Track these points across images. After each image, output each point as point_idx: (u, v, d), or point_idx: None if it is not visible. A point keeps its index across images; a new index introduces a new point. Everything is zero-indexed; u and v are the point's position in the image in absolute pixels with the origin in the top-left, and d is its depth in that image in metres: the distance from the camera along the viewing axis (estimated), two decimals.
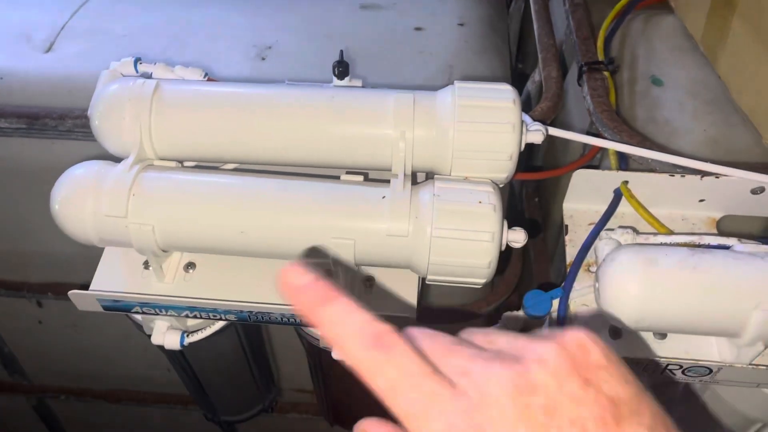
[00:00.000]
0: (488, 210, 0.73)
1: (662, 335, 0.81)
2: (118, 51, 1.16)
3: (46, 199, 0.78)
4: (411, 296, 0.82)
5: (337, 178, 0.80)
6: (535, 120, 0.85)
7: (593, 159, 1.07)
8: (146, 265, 0.83)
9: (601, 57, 1.07)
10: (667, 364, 0.76)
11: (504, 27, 1.35)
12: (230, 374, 1.06)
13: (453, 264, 0.73)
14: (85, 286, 1.33)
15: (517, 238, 0.77)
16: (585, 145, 1.09)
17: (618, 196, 0.89)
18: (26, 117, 0.98)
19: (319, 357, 0.94)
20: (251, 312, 0.78)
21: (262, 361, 1.15)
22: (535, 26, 1.11)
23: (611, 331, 0.82)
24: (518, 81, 1.46)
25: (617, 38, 1.19)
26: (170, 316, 0.81)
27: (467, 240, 0.72)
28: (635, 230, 0.83)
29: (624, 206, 0.89)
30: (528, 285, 1.55)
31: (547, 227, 1.44)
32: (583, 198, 0.92)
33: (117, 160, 0.80)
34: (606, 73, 1.03)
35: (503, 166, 0.77)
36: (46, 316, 1.50)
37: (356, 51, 1.16)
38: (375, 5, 1.28)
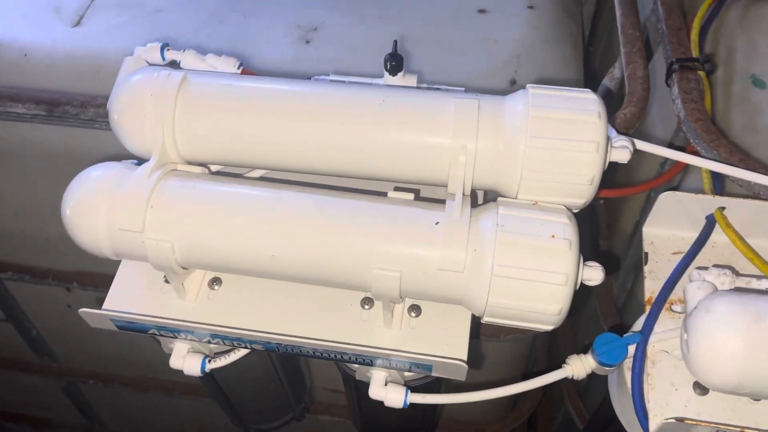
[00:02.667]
0: (563, 246, 0.61)
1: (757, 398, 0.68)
2: (150, 27, 1.07)
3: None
4: (462, 333, 0.71)
5: (384, 193, 0.69)
6: (616, 129, 0.72)
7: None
8: (167, 278, 0.74)
9: (695, 53, 0.92)
10: None
11: (578, 10, 1.20)
12: (259, 389, 0.98)
13: (516, 307, 0.62)
14: (111, 278, 1.28)
15: (593, 276, 0.65)
16: (666, 159, 0.95)
17: (711, 223, 0.75)
18: (46, 103, 0.90)
19: (354, 384, 0.84)
20: (280, 344, 0.68)
21: (294, 369, 1.07)
22: (618, 14, 0.97)
23: (696, 385, 0.70)
24: (589, 67, 1.32)
25: (711, 29, 1.03)
26: (191, 340, 0.72)
27: (536, 281, 0.60)
28: (734, 271, 0.70)
29: (716, 234, 0.76)
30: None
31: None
32: (667, 223, 0.79)
33: (141, 159, 0.71)
34: (701, 73, 0.88)
35: (582, 191, 0.65)
36: (75, 300, 1.45)
37: (411, 35, 1.03)
38: None
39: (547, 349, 1.60)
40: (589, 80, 1.12)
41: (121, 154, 0.74)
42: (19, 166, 1.16)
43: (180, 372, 1.60)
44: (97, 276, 1.31)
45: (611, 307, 1.25)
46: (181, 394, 1.66)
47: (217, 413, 1.67)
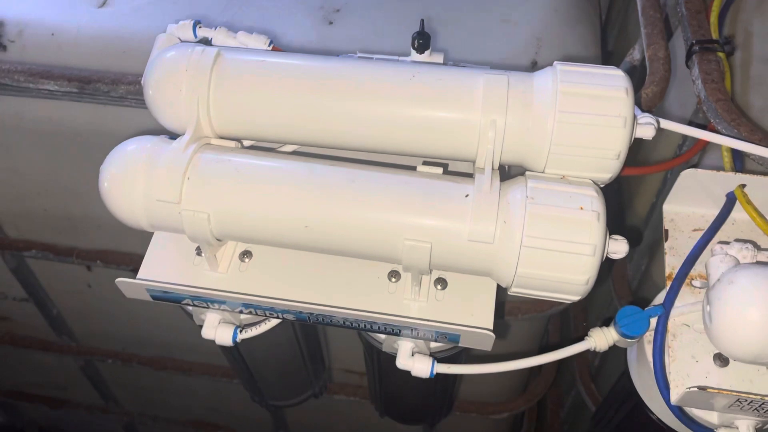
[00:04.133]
0: (591, 218, 0.62)
1: None
2: (176, 8, 1.08)
3: (97, 164, 0.71)
4: (488, 305, 0.73)
5: (413, 168, 0.70)
6: (640, 108, 0.74)
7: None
8: (199, 251, 0.76)
9: (715, 35, 0.93)
10: None
11: None
12: (282, 364, 1.00)
13: (544, 278, 0.64)
14: (134, 256, 1.29)
15: (619, 249, 0.67)
16: (685, 138, 0.97)
17: (731, 200, 0.77)
18: (77, 80, 0.91)
19: (378, 357, 0.86)
20: (311, 314, 0.70)
21: (315, 346, 1.09)
22: None
23: (717, 357, 0.71)
24: (604, 51, 1.32)
25: (729, 12, 1.04)
26: (223, 310, 0.74)
27: (564, 252, 0.62)
28: (756, 245, 0.71)
29: (735, 212, 0.78)
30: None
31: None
32: (687, 200, 0.80)
33: (173, 134, 0.73)
34: (721, 55, 0.89)
35: (609, 166, 0.66)
36: (95, 279, 1.47)
37: (431, 17, 1.04)
38: None
39: (560, 329, 1.62)
40: (605, 62, 1.13)
41: (147, 132, 0.75)
42: (43, 145, 1.18)
43: (198, 351, 1.63)
44: (119, 255, 1.33)
45: (626, 288, 1.26)
46: (198, 373, 1.69)
47: (233, 393, 1.69)
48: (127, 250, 1.32)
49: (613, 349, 0.75)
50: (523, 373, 1.55)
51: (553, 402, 1.86)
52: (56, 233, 1.34)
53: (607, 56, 1.31)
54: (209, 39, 0.78)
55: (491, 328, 0.70)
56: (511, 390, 1.57)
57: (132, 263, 1.29)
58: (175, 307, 1.13)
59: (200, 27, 0.78)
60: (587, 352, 0.74)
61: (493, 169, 0.67)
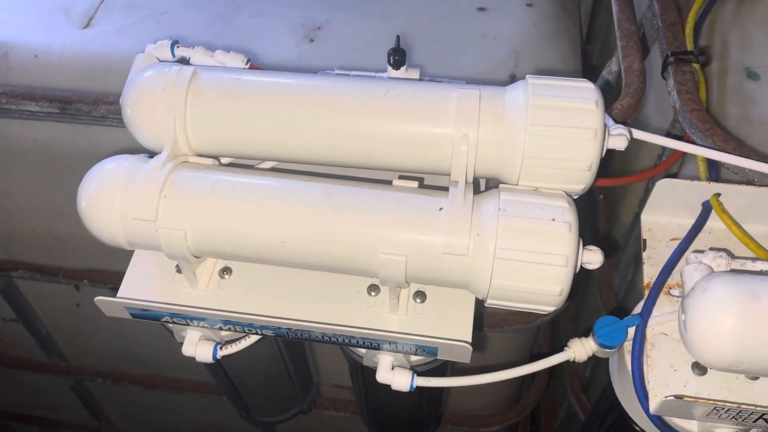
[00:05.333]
0: (562, 229, 0.63)
1: (755, 377, 0.70)
2: (158, 28, 1.10)
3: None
4: (466, 317, 0.73)
5: (389, 182, 0.71)
6: (613, 119, 0.75)
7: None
8: (179, 268, 0.76)
9: (690, 46, 0.94)
10: (764, 413, 0.66)
11: (575, 7, 1.23)
12: (268, 380, 1.00)
13: (518, 289, 0.64)
14: (121, 275, 1.29)
15: (593, 259, 0.67)
16: (663, 149, 0.98)
17: (707, 210, 0.77)
18: (58, 101, 0.92)
19: (361, 371, 0.86)
20: (290, 329, 0.70)
21: (301, 362, 1.09)
22: (615, 9, 0.99)
23: (695, 366, 0.71)
24: (587, 65, 1.34)
25: (706, 23, 1.05)
26: (203, 327, 0.74)
27: (537, 263, 0.62)
28: (730, 254, 0.72)
29: (712, 221, 0.78)
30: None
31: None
32: (664, 210, 0.81)
33: (152, 153, 0.73)
34: (696, 66, 0.91)
35: (581, 177, 0.67)
36: (84, 299, 1.47)
37: (412, 33, 1.06)
38: None
39: (550, 341, 1.62)
40: (588, 77, 1.14)
41: (129, 151, 0.76)
42: (28, 165, 1.18)
43: (187, 369, 1.63)
44: (107, 273, 1.33)
45: (612, 298, 1.26)
46: (188, 391, 1.68)
47: (224, 410, 1.69)
48: (114, 269, 1.32)
49: (602, 359, 0.75)
50: (513, 385, 1.55)
51: (546, 413, 1.85)
52: (44, 252, 1.34)
53: (591, 70, 1.32)
54: (187, 58, 0.79)
55: (469, 340, 0.70)
56: (503, 402, 1.57)
57: (119, 282, 1.29)
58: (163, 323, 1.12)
59: (178, 47, 0.79)
60: (576, 363, 0.74)
61: (467, 182, 0.68)
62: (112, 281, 1.32)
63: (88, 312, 1.52)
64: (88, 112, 0.91)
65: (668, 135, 0.98)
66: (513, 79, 1.01)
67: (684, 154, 0.94)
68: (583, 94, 0.67)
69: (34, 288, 1.49)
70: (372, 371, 0.79)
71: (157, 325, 1.50)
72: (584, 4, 1.39)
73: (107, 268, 1.33)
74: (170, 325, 0.78)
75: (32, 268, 1.34)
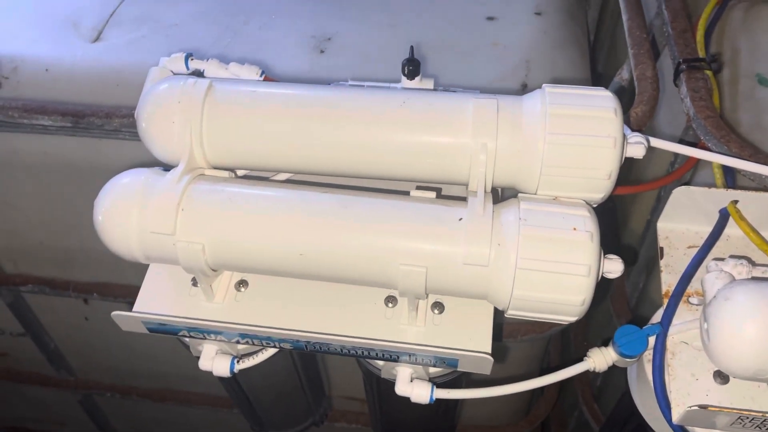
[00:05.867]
0: (584, 238, 0.63)
1: None
2: (168, 41, 1.10)
3: (92, 197, 0.71)
4: (485, 328, 0.72)
5: (406, 193, 0.71)
6: (630, 126, 0.74)
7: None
8: (194, 281, 0.76)
9: (701, 53, 0.94)
10: None
11: (582, 15, 1.23)
12: (281, 393, 0.99)
13: (540, 300, 0.64)
14: (131, 288, 1.29)
15: (614, 268, 0.67)
16: (677, 155, 0.97)
17: (725, 217, 0.77)
18: (71, 115, 0.92)
19: (377, 384, 0.86)
20: (308, 342, 0.70)
21: (314, 375, 1.08)
22: (625, 17, 0.99)
23: (717, 375, 0.71)
24: (594, 72, 1.34)
25: (715, 30, 1.05)
26: (220, 341, 0.73)
27: (559, 273, 0.62)
28: (751, 261, 0.71)
29: (729, 228, 0.78)
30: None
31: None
32: (681, 217, 0.80)
33: (166, 166, 0.73)
34: (708, 72, 0.90)
35: (600, 186, 0.67)
36: (92, 312, 1.46)
37: (423, 42, 1.06)
38: None
39: (561, 351, 1.61)
40: (595, 83, 1.14)
41: (140, 163, 0.76)
42: (37, 179, 1.18)
43: (196, 382, 1.62)
44: (116, 286, 1.32)
45: (624, 306, 1.26)
46: (198, 404, 1.67)
47: (234, 424, 1.68)
48: (124, 282, 1.32)
49: (615, 368, 0.75)
50: (524, 396, 1.54)
51: (556, 424, 1.84)
52: (53, 267, 1.34)
53: (597, 77, 1.32)
54: (201, 71, 0.79)
55: (489, 351, 0.70)
56: (514, 413, 1.56)
57: (129, 295, 1.29)
58: (173, 338, 1.13)
59: (192, 59, 0.79)
60: (588, 372, 0.73)
61: (485, 191, 0.68)
62: (121, 294, 1.32)
63: (97, 326, 1.51)
64: (100, 125, 0.90)
65: (681, 142, 0.98)
66: (524, 87, 1.00)
67: (698, 161, 0.93)
68: (602, 103, 0.66)
69: (42, 302, 1.48)
70: (388, 383, 0.79)
71: (165, 339, 1.50)
72: (590, 12, 1.39)
73: (116, 281, 1.33)
74: (187, 339, 0.77)
75: (42, 282, 1.33)
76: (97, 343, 1.58)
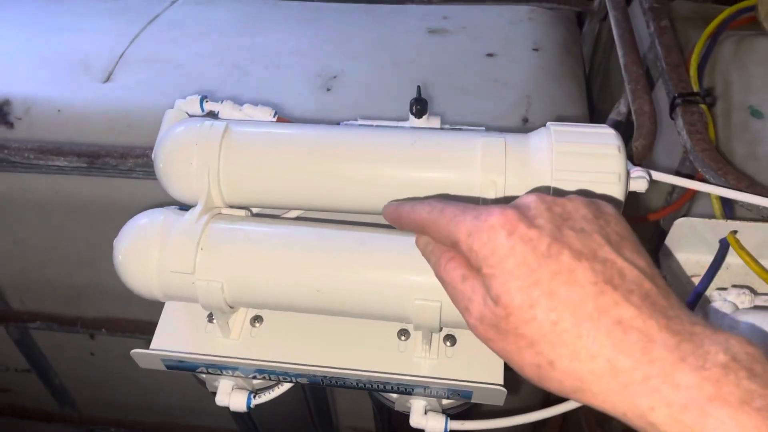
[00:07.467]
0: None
1: None
2: (177, 80, 1.12)
3: (102, 233, 0.73)
4: (497, 360, 0.74)
5: None
6: (631, 161, 0.77)
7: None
8: (210, 318, 0.77)
9: (695, 87, 0.98)
10: None
11: (578, 50, 1.27)
12: (293, 426, 1.00)
13: None
14: (138, 323, 1.30)
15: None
16: (674, 188, 1.00)
17: (725, 246, 0.80)
18: (87, 156, 0.94)
19: (389, 416, 0.87)
20: (325, 377, 0.71)
21: (323, 406, 1.09)
22: (620, 53, 1.03)
23: None
24: (589, 105, 1.37)
25: (707, 63, 1.09)
26: (237, 377, 0.75)
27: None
28: (752, 290, 0.74)
29: (729, 257, 0.80)
30: None
31: None
32: (683, 248, 0.83)
33: (182, 204, 0.75)
34: (703, 106, 0.94)
35: None
36: (98, 347, 1.47)
37: (425, 79, 1.09)
38: (443, 29, 1.21)
39: None
40: (590, 116, 1.18)
41: (152, 201, 0.78)
42: (47, 217, 1.20)
43: (201, 415, 1.61)
44: (124, 322, 1.33)
45: None
46: None
47: None
48: (131, 317, 1.33)
49: None
50: (527, 424, 1.54)
51: None
52: (60, 303, 1.35)
53: (592, 110, 1.36)
54: (216, 112, 0.82)
55: (501, 382, 0.71)
56: None
57: (137, 330, 1.30)
58: (178, 372, 1.13)
59: (207, 101, 0.81)
60: None
61: None
62: (129, 330, 1.32)
63: (102, 361, 1.51)
64: (115, 165, 0.92)
65: (677, 173, 1.01)
66: (526, 122, 1.04)
67: (695, 193, 0.96)
68: (606, 140, 0.69)
69: (49, 338, 1.48)
70: (402, 416, 0.80)
71: (170, 373, 1.50)
72: (585, 47, 1.44)
73: (124, 315, 1.34)
74: (203, 375, 0.79)
75: (50, 318, 1.34)
76: (102, 378, 1.58)
